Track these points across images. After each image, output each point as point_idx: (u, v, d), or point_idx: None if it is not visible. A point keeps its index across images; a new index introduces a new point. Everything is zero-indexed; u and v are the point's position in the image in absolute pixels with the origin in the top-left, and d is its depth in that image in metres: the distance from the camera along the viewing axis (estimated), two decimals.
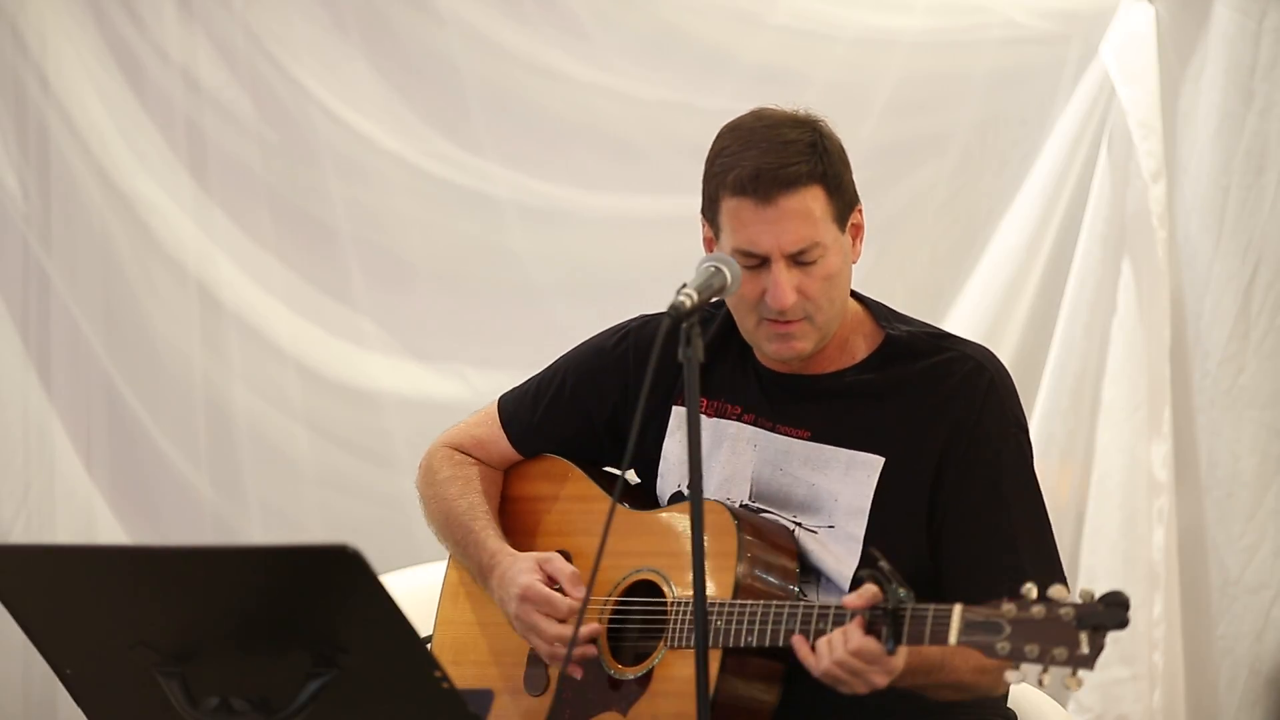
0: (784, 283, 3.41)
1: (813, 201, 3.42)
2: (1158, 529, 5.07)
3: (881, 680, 3.19)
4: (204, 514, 5.76)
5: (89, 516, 5.74)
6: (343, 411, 5.73)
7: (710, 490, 3.56)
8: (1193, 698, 5.10)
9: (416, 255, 5.70)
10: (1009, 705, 3.59)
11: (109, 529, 5.75)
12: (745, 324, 3.50)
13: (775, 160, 3.41)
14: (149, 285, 5.76)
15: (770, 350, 3.49)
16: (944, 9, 5.27)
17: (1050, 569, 3.46)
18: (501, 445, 3.78)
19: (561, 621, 3.51)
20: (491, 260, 5.64)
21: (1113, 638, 5.07)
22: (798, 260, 3.42)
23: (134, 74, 5.75)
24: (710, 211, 3.49)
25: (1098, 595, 2.97)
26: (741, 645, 3.32)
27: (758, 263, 3.43)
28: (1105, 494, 5.13)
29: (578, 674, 3.51)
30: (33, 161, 5.75)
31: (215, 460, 5.76)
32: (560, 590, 3.54)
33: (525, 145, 5.60)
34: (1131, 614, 5.02)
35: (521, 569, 3.56)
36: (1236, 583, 5.07)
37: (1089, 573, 5.11)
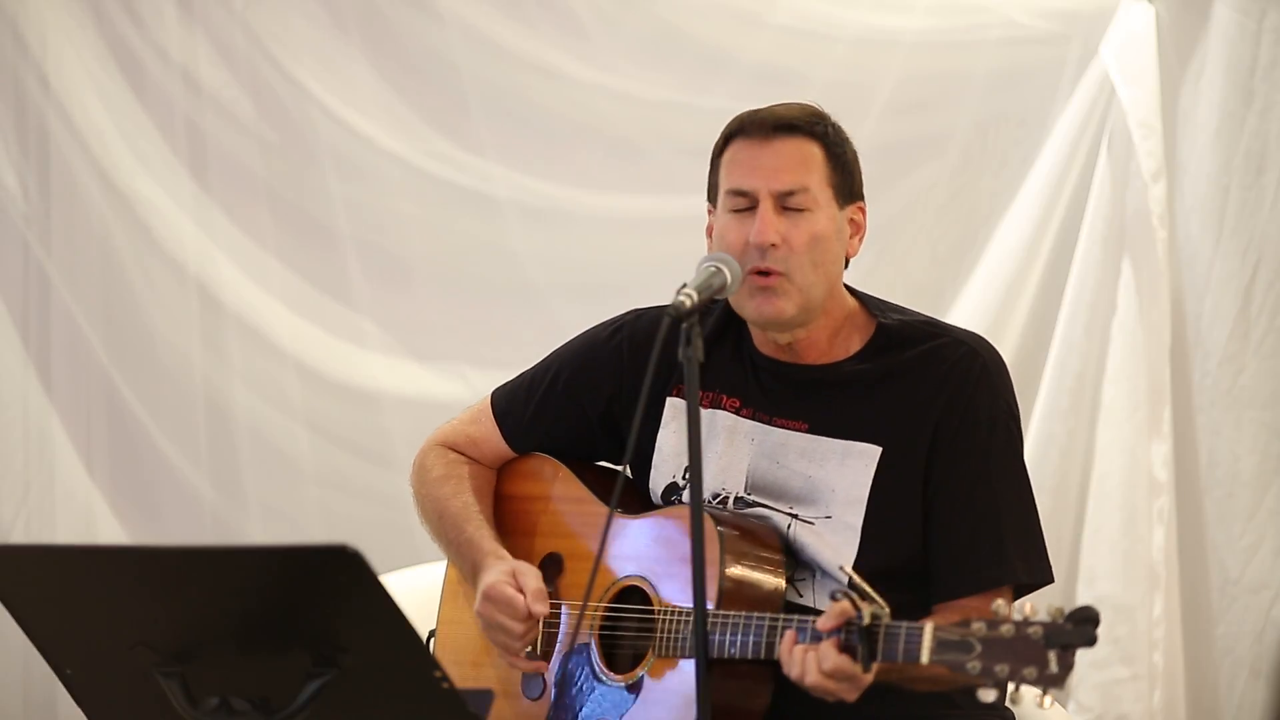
0: (769, 221, 3.45)
1: (809, 153, 3.49)
2: (1158, 529, 5.06)
3: (851, 696, 3.21)
4: (204, 514, 5.75)
5: (89, 516, 5.74)
6: (343, 411, 5.73)
7: (705, 481, 3.56)
8: (1193, 698, 5.10)
9: (416, 255, 5.69)
10: (1007, 704, 3.59)
11: (109, 529, 5.75)
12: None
13: (778, 109, 3.52)
14: (149, 285, 5.76)
15: (751, 308, 3.50)
16: (944, 9, 5.27)
17: (1036, 557, 3.48)
18: (495, 441, 3.78)
19: (521, 623, 3.52)
20: (491, 260, 5.64)
21: (1113, 637, 5.12)
22: (786, 205, 3.46)
23: (134, 74, 5.75)
24: (713, 177, 3.54)
25: (1067, 613, 2.97)
26: (725, 656, 3.33)
27: (748, 205, 3.47)
28: (1105, 494, 5.13)
29: (585, 664, 3.52)
30: (33, 161, 5.75)
31: (215, 460, 5.75)
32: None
33: (525, 145, 5.60)
34: (1131, 614, 5.07)
35: (493, 569, 3.57)
36: (1236, 583, 5.07)
37: (1089, 573, 5.11)
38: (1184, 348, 5.12)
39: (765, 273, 3.46)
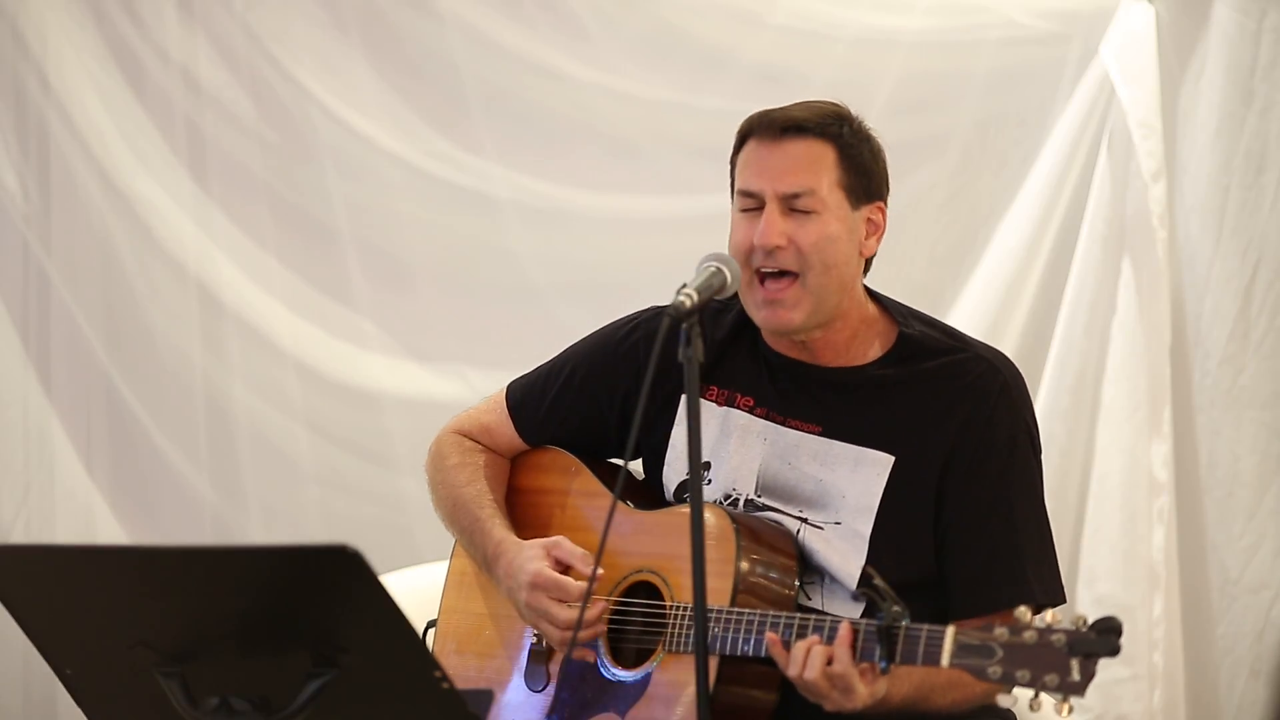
0: (773, 222, 3.45)
1: (819, 154, 3.48)
2: (1158, 529, 5.07)
3: (847, 704, 3.19)
4: (204, 514, 5.75)
5: (89, 516, 5.74)
6: (343, 411, 5.73)
7: (718, 479, 3.57)
8: (1193, 698, 5.10)
9: (416, 255, 5.69)
10: (1029, 709, 3.59)
11: (109, 529, 5.74)
12: (743, 289, 3.51)
13: (793, 109, 3.52)
14: (149, 285, 5.76)
15: (760, 318, 3.50)
16: (944, 9, 5.27)
17: (1050, 579, 3.48)
18: (509, 433, 3.78)
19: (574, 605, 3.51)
20: (491, 260, 5.64)
21: None
22: (792, 207, 3.46)
23: (134, 74, 5.75)
24: (730, 176, 3.55)
25: (1090, 621, 2.97)
26: (738, 654, 3.33)
27: (755, 205, 3.48)
28: (1105, 494, 5.13)
29: (590, 657, 3.51)
30: (33, 161, 5.75)
31: (215, 460, 5.75)
32: (571, 574, 3.54)
33: (525, 145, 5.60)
34: (1131, 614, 5.07)
35: (529, 556, 3.56)
36: (1236, 583, 5.06)
37: (1089, 573, 5.11)
38: (1184, 348, 5.12)
39: (777, 275, 3.46)
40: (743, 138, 3.54)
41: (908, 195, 5.29)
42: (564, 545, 3.56)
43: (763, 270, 3.46)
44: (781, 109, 3.52)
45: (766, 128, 3.49)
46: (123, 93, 5.75)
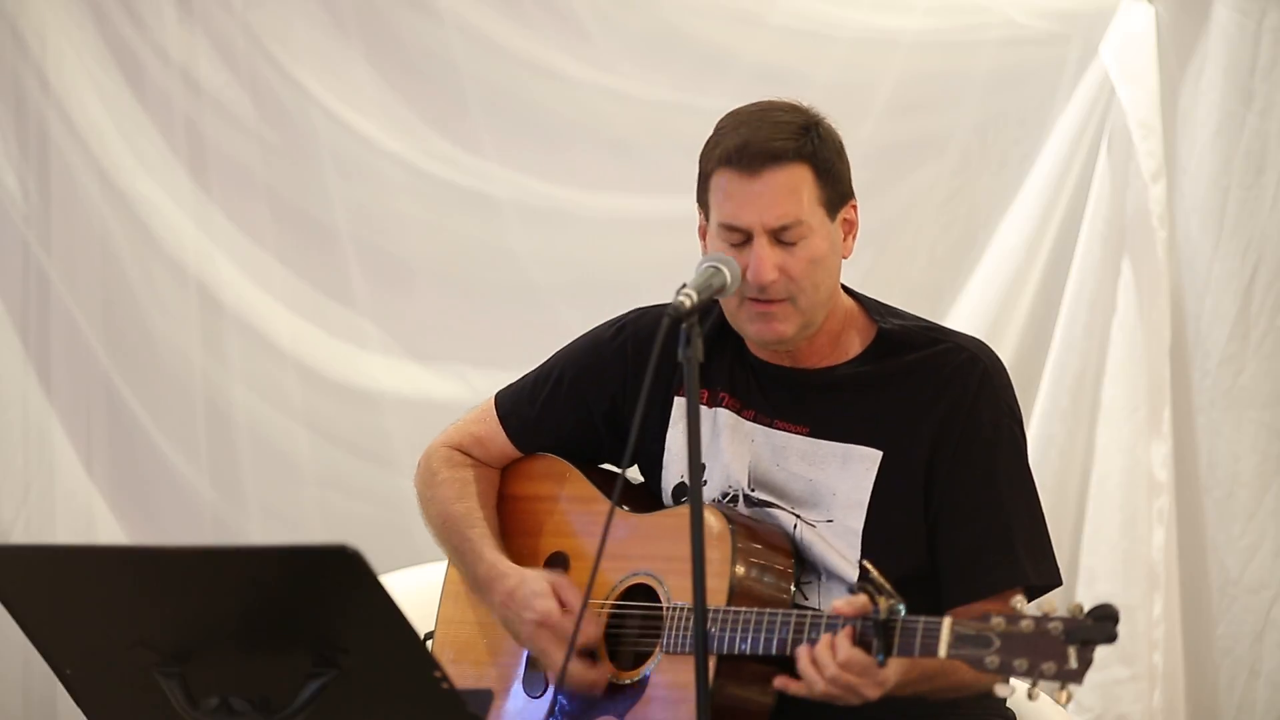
0: (765, 258, 3.42)
1: (799, 179, 3.44)
2: (1158, 529, 5.07)
3: (873, 693, 3.20)
4: (204, 514, 5.75)
5: (89, 516, 5.74)
6: (343, 411, 5.72)
7: (714, 479, 3.57)
8: (1193, 698, 5.10)
9: (416, 255, 5.69)
10: (1009, 705, 3.59)
11: (109, 529, 5.74)
12: (728, 305, 3.51)
13: (765, 135, 3.45)
14: (149, 285, 5.75)
15: (752, 332, 3.50)
16: (944, 9, 5.27)
17: (1044, 559, 3.48)
18: (500, 441, 3.78)
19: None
20: (491, 260, 5.64)
21: None
22: (780, 239, 3.44)
23: (134, 74, 5.75)
24: (702, 192, 3.52)
25: (1086, 609, 2.97)
26: (735, 653, 3.33)
27: (742, 239, 3.45)
28: (1105, 494, 5.13)
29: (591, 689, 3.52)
30: (33, 161, 5.75)
31: (215, 460, 5.75)
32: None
33: (525, 145, 5.60)
34: (1131, 614, 5.08)
35: (536, 592, 3.55)
36: (1236, 583, 5.07)
37: (1089, 573, 5.11)
38: (1184, 348, 5.12)
39: (766, 300, 3.45)
40: (716, 162, 3.47)
41: (908, 195, 5.30)
42: (568, 590, 3.54)
43: (755, 299, 3.45)
44: (756, 134, 3.44)
45: (746, 160, 3.43)
46: (123, 93, 5.75)
